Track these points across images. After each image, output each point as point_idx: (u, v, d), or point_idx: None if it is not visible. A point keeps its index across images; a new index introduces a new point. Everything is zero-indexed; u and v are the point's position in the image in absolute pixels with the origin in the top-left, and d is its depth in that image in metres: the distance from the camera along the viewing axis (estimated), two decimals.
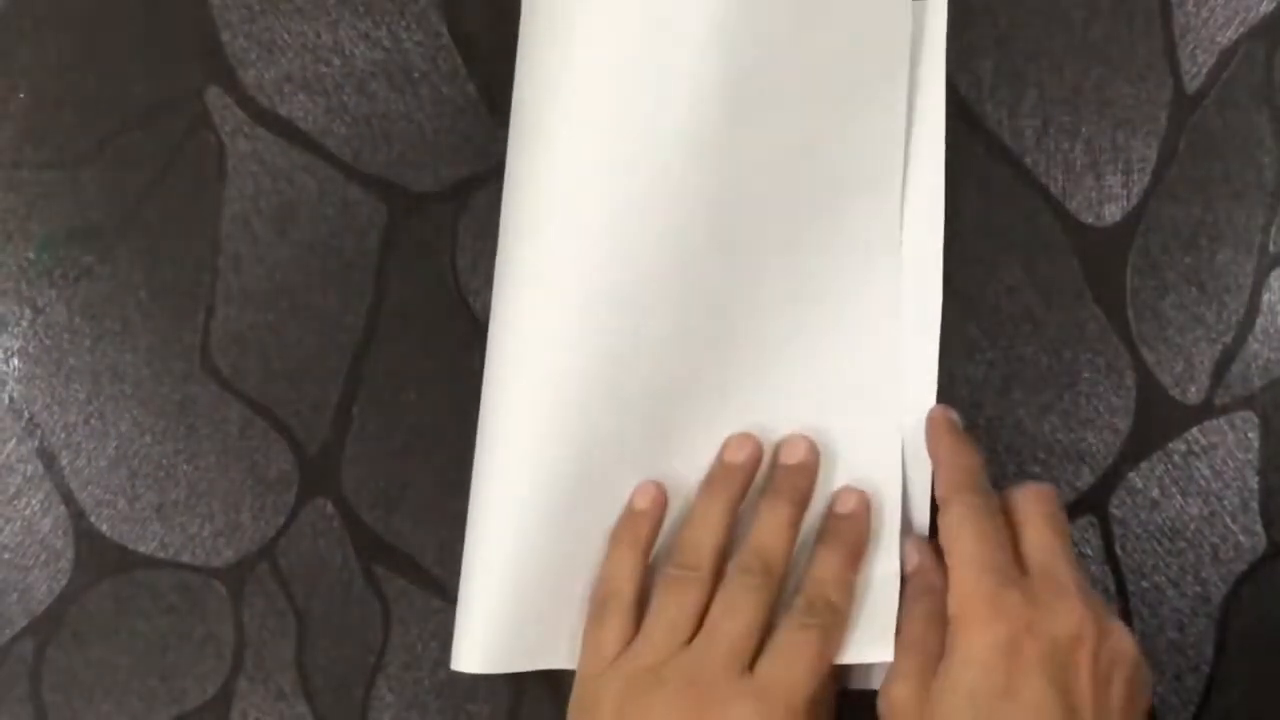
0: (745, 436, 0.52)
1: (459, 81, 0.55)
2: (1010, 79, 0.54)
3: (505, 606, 0.51)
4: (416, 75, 0.55)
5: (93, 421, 0.56)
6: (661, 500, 0.52)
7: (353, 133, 0.55)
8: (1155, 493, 0.54)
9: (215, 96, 0.56)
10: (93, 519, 0.56)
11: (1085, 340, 0.54)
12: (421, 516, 0.55)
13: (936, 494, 0.50)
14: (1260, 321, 0.54)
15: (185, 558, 0.55)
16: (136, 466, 0.56)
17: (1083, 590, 0.47)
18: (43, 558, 0.56)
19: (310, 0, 0.56)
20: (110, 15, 0.56)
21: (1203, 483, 0.54)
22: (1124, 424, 0.54)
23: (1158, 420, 0.54)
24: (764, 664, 0.48)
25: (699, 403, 0.52)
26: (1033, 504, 0.49)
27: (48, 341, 0.56)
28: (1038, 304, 0.54)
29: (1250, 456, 0.54)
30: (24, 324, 0.56)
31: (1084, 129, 0.54)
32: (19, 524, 0.56)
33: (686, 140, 0.50)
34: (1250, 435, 0.54)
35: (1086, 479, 0.54)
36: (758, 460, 0.52)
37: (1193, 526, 0.54)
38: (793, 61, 0.51)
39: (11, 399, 0.56)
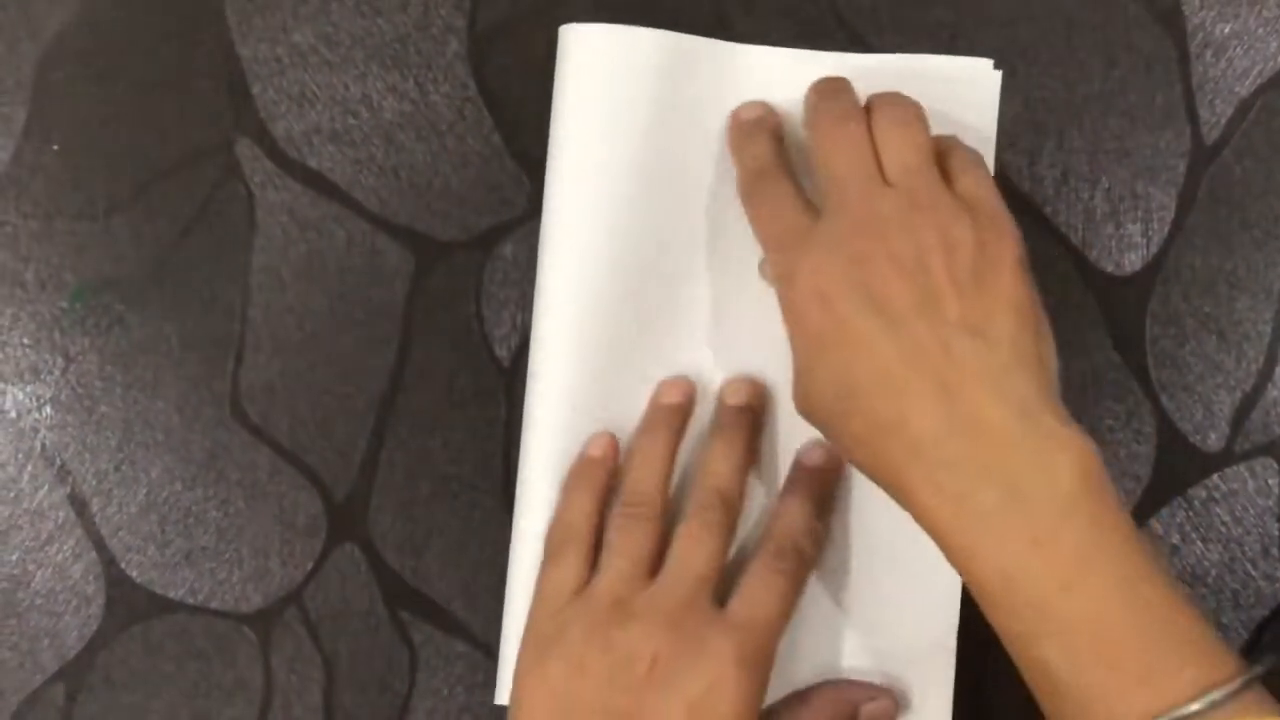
0: (678, 378, 0.54)
1: (485, 133, 0.56)
2: (1030, 129, 0.55)
3: None
4: (444, 127, 0.56)
5: (123, 468, 0.57)
6: (614, 449, 0.54)
7: (380, 183, 0.56)
8: (1176, 539, 0.54)
9: (245, 148, 0.57)
10: (123, 565, 0.56)
11: (1105, 388, 0.54)
12: (448, 562, 0.56)
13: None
14: (1279, 369, 0.54)
15: (214, 603, 0.56)
16: (166, 513, 0.56)
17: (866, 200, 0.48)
18: (74, 604, 0.56)
19: (339, 53, 0.57)
20: (142, 68, 0.57)
21: (1223, 529, 0.54)
22: (1144, 471, 0.54)
23: (1178, 467, 0.54)
24: (737, 604, 0.49)
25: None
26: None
27: (79, 389, 0.57)
28: (1059, 352, 0.54)
29: (1270, 503, 0.54)
30: (56, 372, 0.57)
31: (1103, 178, 0.55)
32: (50, 570, 0.56)
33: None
34: (1270, 482, 0.54)
35: None
36: (691, 399, 0.54)
37: (1213, 573, 0.54)
38: None
39: (43, 446, 0.57)
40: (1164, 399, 0.54)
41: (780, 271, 0.49)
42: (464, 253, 0.56)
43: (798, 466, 0.53)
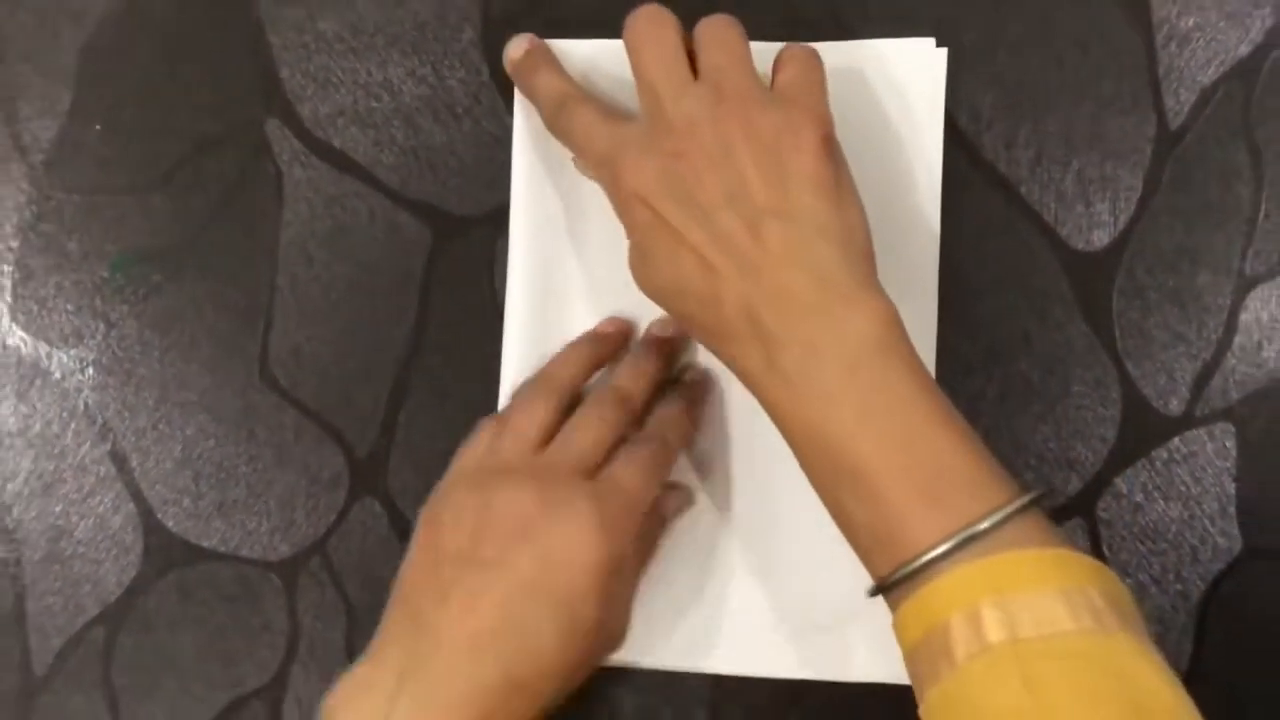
0: (619, 317, 0.58)
1: (498, 115, 0.59)
2: (1007, 114, 0.57)
3: None
4: (459, 110, 0.59)
5: (160, 427, 0.59)
6: (593, 362, 0.57)
7: (400, 162, 0.59)
8: (1139, 498, 0.56)
9: (274, 129, 0.59)
10: (160, 516, 0.59)
11: (1075, 356, 0.57)
12: None
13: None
14: (1237, 339, 0.56)
15: (244, 552, 0.59)
16: (200, 468, 0.59)
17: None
18: (114, 552, 0.59)
19: (362, 40, 0.59)
20: (179, 54, 0.60)
21: (1183, 488, 0.56)
22: (1110, 434, 0.56)
23: (1142, 430, 0.56)
24: (604, 476, 0.52)
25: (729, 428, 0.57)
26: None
27: (120, 353, 0.59)
28: (1031, 323, 0.57)
29: (1228, 464, 0.56)
30: (98, 337, 0.59)
31: (1075, 161, 0.57)
32: (92, 521, 0.59)
33: None
34: (1228, 444, 0.56)
35: (1075, 485, 0.56)
36: (626, 335, 0.58)
37: (1174, 529, 0.56)
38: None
39: (86, 405, 0.59)
40: (1130, 367, 0.56)
41: (605, 180, 0.51)
42: (478, 227, 0.58)
43: (687, 373, 0.57)
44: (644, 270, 0.51)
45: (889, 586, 0.45)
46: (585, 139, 0.53)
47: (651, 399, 0.56)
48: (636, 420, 0.55)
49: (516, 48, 0.56)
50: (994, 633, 0.42)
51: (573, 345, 0.57)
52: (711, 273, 0.48)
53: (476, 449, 0.54)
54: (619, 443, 0.54)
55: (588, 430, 0.53)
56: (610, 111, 0.53)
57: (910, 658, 0.45)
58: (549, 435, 0.54)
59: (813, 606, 0.56)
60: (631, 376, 0.56)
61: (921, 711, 0.45)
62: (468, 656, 0.49)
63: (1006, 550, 0.44)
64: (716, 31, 0.51)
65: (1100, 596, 0.43)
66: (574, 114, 0.53)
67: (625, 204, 0.50)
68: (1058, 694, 0.41)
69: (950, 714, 0.43)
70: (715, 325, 0.49)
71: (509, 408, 0.55)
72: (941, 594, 0.44)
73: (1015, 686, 0.41)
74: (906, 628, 0.45)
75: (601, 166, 0.52)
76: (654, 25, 0.51)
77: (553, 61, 0.56)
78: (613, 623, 0.52)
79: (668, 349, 0.57)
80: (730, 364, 0.49)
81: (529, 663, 0.49)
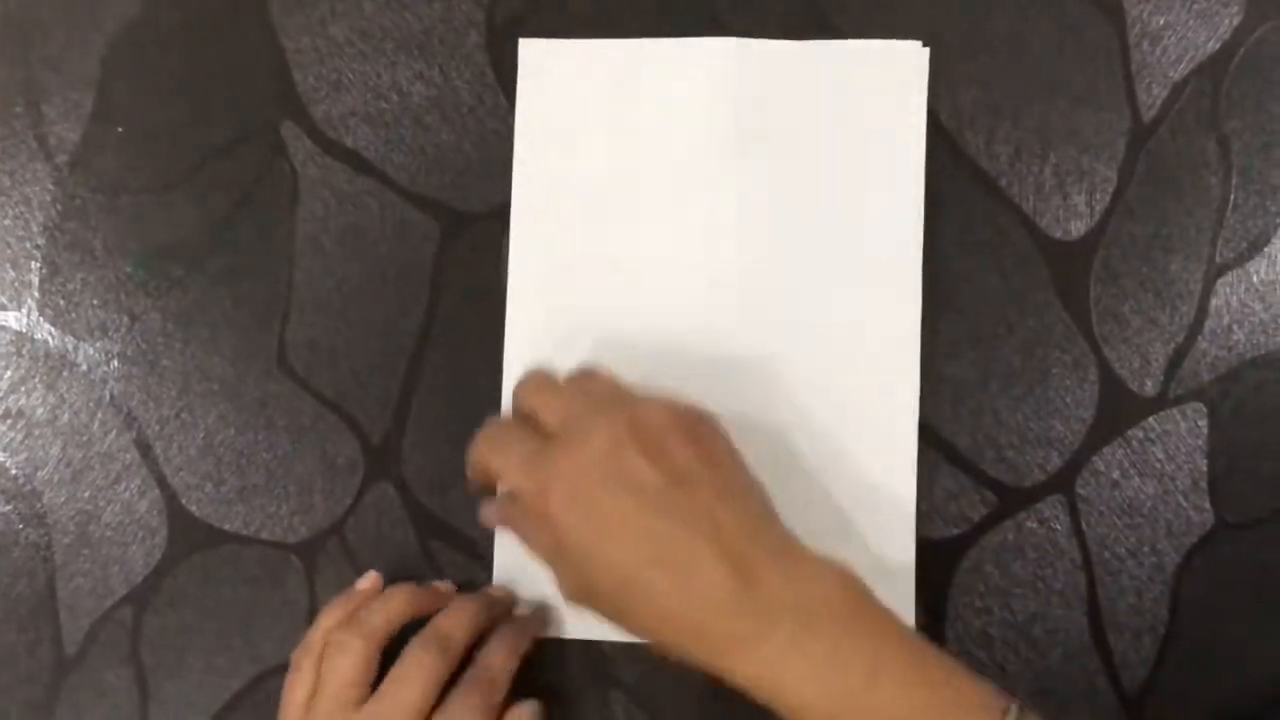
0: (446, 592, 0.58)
1: (501, 115, 0.60)
2: (987, 110, 0.59)
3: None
4: (465, 110, 0.61)
5: (183, 415, 0.61)
6: (379, 586, 0.57)
7: (409, 161, 0.61)
8: (1116, 475, 0.58)
9: (289, 129, 0.61)
10: (184, 501, 0.61)
11: (1054, 341, 0.58)
12: (472, 498, 0.59)
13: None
14: (1208, 323, 0.58)
15: (265, 535, 0.60)
16: (221, 455, 0.61)
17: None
18: (140, 535, 0.61)
19: (371, 44, 0.61)
20: (196, 59, 0.61)
21: (1158, 466, 0.58)
22: (1088, 414, 0.58)
23: (1118, 411, 0.58)
24: (439, 716, 0.52)
25: (731, 387, 0.58)
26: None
27: (144, 345, 0.61)
28: (1012, 309, 0.59)
29: (1200, 442, 0.58)
30: (123, 330, 0.61)
31: (1052, 154, 0.59)
32: (119, 506, 0.61)
33: (706, 188, 0.58)
34: (1200, 423, 0.58)
35: (1055, 463, 0.58)
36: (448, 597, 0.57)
37: (1149, 504, 0.58)
38: (809, 115, 0.58)
39: (112, 396, 0.61)
40: (1106, 350, 0.58)
41: (527, 495, 0.49)
42: (483, 223, 0.60)
43: (518, 619, 0.57)
44: (586, 576, 0.49)
45: None
46: (510, 467, 0.51)
47: (474, 640, 0.55)
48: (458, 661, 0.54)
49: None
50: None
51: (398, 590, 0.56)
52: (680, 564, 0.47)
53: (299, 690, 0.54)
54: (447, 683, 0.53)
55: (413, 684, 0.52)
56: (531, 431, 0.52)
57: None
58: (367, 680, 0.53)
59: None
60: (455, 620, 0.55)
61: None
62: None
63: None
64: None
65: None
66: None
67: (558, 509, 0.48)
68: None
69: None
70: (689, 617, 0.47)
71: (328, 657, 0.53)
72: None
73: None
74: None
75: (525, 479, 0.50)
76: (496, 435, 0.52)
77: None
78: None
79: (502, 609, 0.57)
80: (713, 659, 0.47)
81: None
